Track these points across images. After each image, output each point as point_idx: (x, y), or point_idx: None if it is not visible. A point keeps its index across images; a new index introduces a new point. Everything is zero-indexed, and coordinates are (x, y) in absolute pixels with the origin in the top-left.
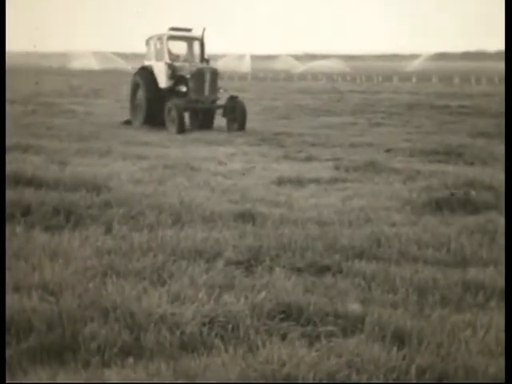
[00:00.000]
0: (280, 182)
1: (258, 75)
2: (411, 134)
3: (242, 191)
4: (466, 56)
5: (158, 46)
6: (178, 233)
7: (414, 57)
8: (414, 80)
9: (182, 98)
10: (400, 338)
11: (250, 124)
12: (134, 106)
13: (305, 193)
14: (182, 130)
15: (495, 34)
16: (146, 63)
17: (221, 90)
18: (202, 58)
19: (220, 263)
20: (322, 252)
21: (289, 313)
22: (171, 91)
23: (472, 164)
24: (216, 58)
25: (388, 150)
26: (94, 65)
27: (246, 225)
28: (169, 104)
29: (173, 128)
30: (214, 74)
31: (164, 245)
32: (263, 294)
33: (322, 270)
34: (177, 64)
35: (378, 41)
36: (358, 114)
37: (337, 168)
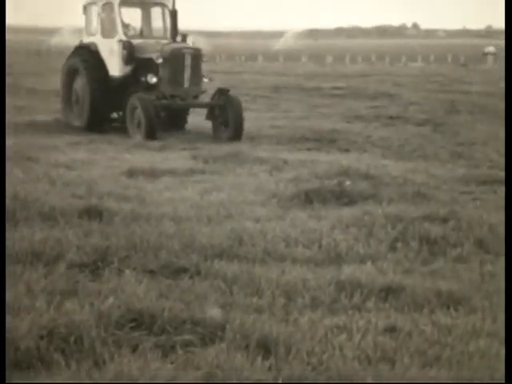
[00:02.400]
0: (131, 173)
1: None
2: (278, 120)
3: (87, 184)
4: (340, 33)
5: (106, 16)
6: (11, 233)
7: (280, 34)
8: (281, 60)
9: (149, 92)
10: (265, 347)
11: None
12: (68, 103)
13: (159, 186)
14: (151, 136)
15: (371, 7)
16: (86, 40)
17: (205, 80)
18: (175, 33)
19: (61, 266)
20: (177, 252)
21: (140, 321)
22: (130, 82)
23: (347, 151)
24: (52, 32)
25: (252, 138)
26: None
27: (91, 222)
28: (132, 101)
29: (138, 134)
30: (197, 56)
31: None
32: (111, 300)
33: (178, 271)
34: (137, 42)
35: (240, 16)
36: None
37: (194, 158)
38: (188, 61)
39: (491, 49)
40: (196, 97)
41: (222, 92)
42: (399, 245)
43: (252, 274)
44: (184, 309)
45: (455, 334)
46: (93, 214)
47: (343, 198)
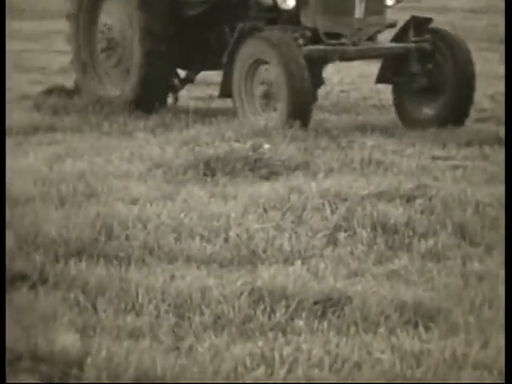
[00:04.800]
0: None
1: None
2: None
3: None
4: None
5: None
6: None
7: None
8: None
9: (282, 30)
10: None
11: None
12: (89, 56)
13: None
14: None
15: None
16: None
17: (388, 2)
18: None
19: None
20: (12, 250)
21: None
22: (227, 9)
23: None
24: None
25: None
26: None
27: None
28: (251, 46)
29: (264, 120)
30: None
31: None
32: None
33: (13, 279)
34: None
35: None
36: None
37: (38, 109)
38: None
39: None
40: (373, 37)
41: (420, 25)
42: (342, 236)
43: (126, 281)
44: (21, 336)
45: (427, 365)
46: None
47: (261, 168)
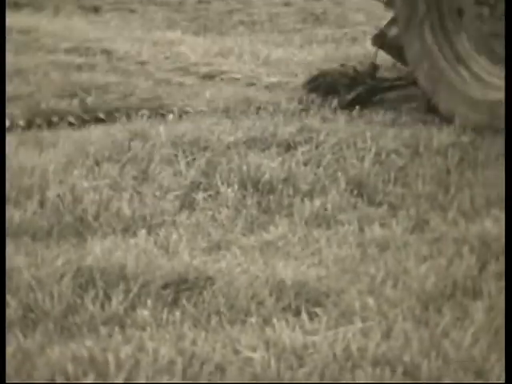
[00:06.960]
0: None
1: None
2: None
3: None
4: None
5: None
6: None
7: None
8: None
9: None
10: None
11: None
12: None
13: None
14: None
15: None
16: None
17: None
18: None
19: None
20: None
21: None
22: None
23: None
24: None
25: None
26: None
27: None
28: None
29: None
30: None
31: None
32: None
33: None
34: None
35: None
36: None
37: None
38: None
39: None
40: None
41: None
42: (201, 196)
43: None
44: None
45: (312, 364)
46: None
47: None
